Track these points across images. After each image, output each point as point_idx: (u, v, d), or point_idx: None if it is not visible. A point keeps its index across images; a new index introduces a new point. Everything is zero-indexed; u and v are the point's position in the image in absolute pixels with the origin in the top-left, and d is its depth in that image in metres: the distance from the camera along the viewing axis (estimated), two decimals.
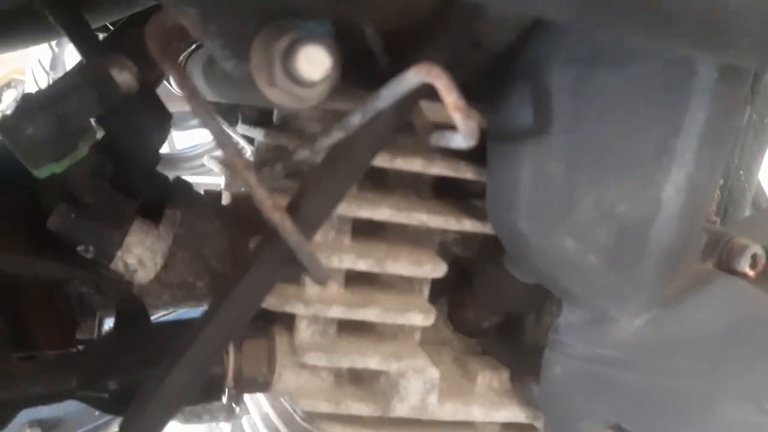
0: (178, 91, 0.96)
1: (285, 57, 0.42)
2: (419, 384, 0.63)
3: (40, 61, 3.34)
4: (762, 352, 0.55)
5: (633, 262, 0.54)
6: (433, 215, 0.62)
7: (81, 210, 0.65)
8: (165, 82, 0.93)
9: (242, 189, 0.83)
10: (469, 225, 0.63)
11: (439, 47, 0.51)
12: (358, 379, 0.66)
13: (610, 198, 0.53)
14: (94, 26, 0.76)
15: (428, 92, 0.45)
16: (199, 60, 0.79)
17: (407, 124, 0.55)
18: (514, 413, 0.67)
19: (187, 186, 0.77)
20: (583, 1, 0.37)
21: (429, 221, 0.62)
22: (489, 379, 0.68)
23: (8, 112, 0.60)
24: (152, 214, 0.71)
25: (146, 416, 0.51)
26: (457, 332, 0.74)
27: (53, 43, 3.13)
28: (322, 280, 0.52)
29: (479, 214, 0.64)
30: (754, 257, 0.59)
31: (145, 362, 0.61)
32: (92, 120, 0.65)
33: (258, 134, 0.74)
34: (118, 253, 0.67)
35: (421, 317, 0.63)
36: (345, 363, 0.62)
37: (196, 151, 2.72)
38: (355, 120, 0.49)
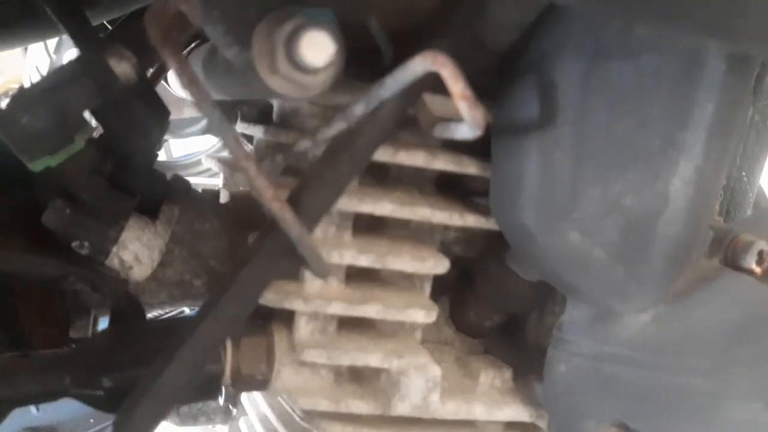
0: (176, 91, 0.95)
1: (288, 43, 0.41)
2: (421, 382, 0.62)
3: (37, 69, 3.33)
4: None
5: (640, 256, 0.53)
6: (436, 210, 0.61)
7: (76, 206, 0.64)
8: (164, 82, 0.92)
9: (241, 188, 0.82)
10: (472, 220, 0.62)
11: (442, 45, 0.50)
12: (359, 377, 0.65)
13: (617, 191, 0.52)
14: (93, 24, 0.76)
15: (433, 84, 0.45)
16: (198, 57, 0.78)
17: (410, 120, 0.54)
18: (517, 412, 0.66)
19: (186, 184, 0.76)
20: None
21: (432, 216, 0.61)
22: (492, 377, 0.67)
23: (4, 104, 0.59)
24: (150, 211, 0.70)
25: (141, 412, 0.50)
26: (459, 332, 0.73)
27: (51, 50, 3.12)
28: (323, 273, 0.51)
29: (482, 210, 0.63)
30: (760, 254, 0.59)
31: (141, 359, 0.60)
32: (89, 114, 0.64)
33: (257, 132, 0.73)
34: (114, 249, 0.66)
35: (422, 314, 0.62)
36: (345, 360, 0.61)
37: (193, 158, 2.72)
38: (358, 110, 0.48)
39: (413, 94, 0.50)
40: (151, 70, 0.80)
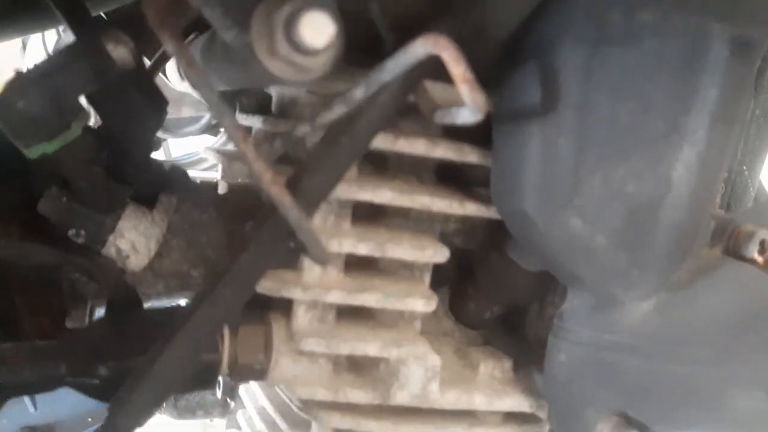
0: (176, 86, 0.95)
1: (287, 24, 0.40)
2: (420, 371, 0.61)
3: None
4: None
5: (642, 242, 0.53)
6: (436, 198, 0.61)
7: (73, 194, 0.63)
8: (163, 78, 0.91)
9: (239, 180, 0.82)
10: (472, 209, 0.62)
11: (443, 29, 0.49)
12: (357, 367, 0.64)
13: (619, 177, 0.52)
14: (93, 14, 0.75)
15: (433, 69, 0.44)
16: (197, 48, 0.77)
17: (410, 108, 0.54)
18: (518, 402, 0.65)
19: (183, 173, 0.75)
20: None
21: (432, 204, 0.61)
22: (491, 368, 0.67)
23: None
24: (147, 201, 0.69)
25: (136, 399, 0.50)
26: (459, 323, 0.73)
27: (50, 48, 3.12)
28: (322, 259, 0.51)
29: (483, 199, 0.62)
30: (762, 243, 0.58)
31: (137, 348, 0.60)
32: (85, 101, 0.63)
33: (256, 122, 0.73)
34: (111, 238, 0.65)
35: (422, 303, 0.61)
36: (344, 349, 0.60)
37: (192, 158, 2.71)
38: (359, 94, 0.47)
39: (414, 78, 0.50)
40: (149, 63, 0.80)
